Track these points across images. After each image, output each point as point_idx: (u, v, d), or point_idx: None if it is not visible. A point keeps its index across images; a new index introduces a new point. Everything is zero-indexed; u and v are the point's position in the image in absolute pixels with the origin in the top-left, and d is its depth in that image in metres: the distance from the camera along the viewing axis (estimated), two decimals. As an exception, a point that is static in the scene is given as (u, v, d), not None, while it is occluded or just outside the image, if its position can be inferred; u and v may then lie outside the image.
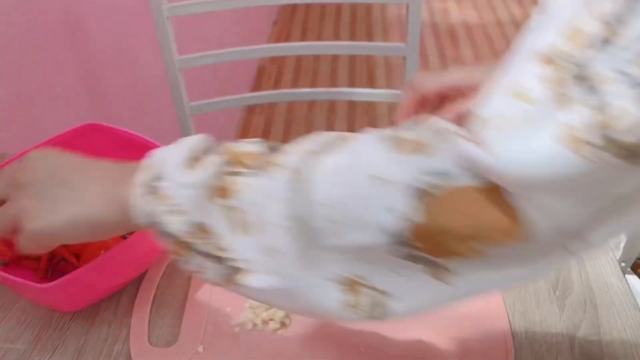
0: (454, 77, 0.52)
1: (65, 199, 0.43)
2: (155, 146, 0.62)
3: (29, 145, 0.64)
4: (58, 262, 0.60)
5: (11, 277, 0.50)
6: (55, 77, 0.97)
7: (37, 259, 0.60)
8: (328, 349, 0.53)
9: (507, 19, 3.10)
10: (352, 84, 2.54)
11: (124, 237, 0.61)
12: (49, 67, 0.95)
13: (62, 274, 0.50)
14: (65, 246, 0.60)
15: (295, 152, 0.39)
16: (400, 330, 0.54)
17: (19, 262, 0.60)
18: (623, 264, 0.79)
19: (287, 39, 2.90)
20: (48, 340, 0.55)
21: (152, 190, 0.39)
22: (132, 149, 0.64)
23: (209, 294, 0.59)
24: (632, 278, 0.75)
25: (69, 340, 0.55)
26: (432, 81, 0.52)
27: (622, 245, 0.75)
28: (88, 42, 1.08)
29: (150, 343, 0.54)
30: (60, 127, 0.68)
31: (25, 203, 0.43)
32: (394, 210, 0.33)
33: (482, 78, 0.48)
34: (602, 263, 0.61)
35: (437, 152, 0.33)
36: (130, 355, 0.53)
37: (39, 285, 0.50)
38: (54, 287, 0.49)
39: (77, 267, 0.52)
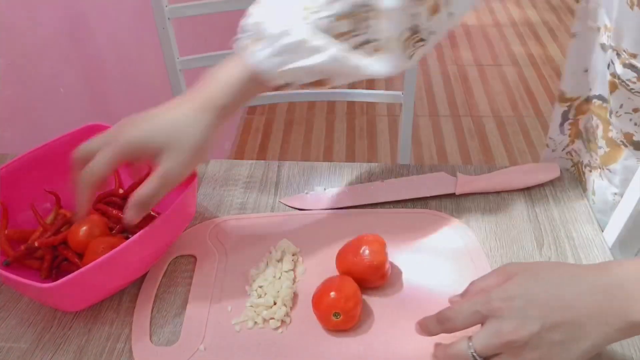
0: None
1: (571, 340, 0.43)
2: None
3: (29, 146, 0.65)
4: (61, 262, 0.61)
5: (14, 276, 0.50)
6: (56, 77, 0.97)
7: (40, 258, 0.60)
8: (328, 348, 0.54)
9: (506, 21, 3.10)
10: (351, 84, 2.54)
11: (126, 237, 0.61)
12: (50, 68, 0.95)
13: (65, 274, 0.50)
14: (68, 246, 0.60)
15: None
16: (400, 330, 0.55)
17: (22, 262, 0.60)
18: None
19: (287, 40, 2.90)
20: (50, 339, 0.55)
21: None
22: None
23: (210, 293, 0.59)
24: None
25: (71, 339, 0.55)
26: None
27: (619, 243, 0.76)
28: (89, 43, 1.08)
29: (151, 342, 0.55)
30: (61, 128, 0.69)
31: (530, 357, 0.43)
32: None
33: None
34: (600, 262, 0.62)
35: None
36: (132, 354, 0.54)
37: (40, 285, 0.50)
38: (56, 287, 0.50)
39: (80, 268, 0.53)
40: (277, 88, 0.56)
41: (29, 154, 0.64)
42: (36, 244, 0.59)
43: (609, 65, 0.58)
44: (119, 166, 0.53)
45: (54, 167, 0.65)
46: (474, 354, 0.45)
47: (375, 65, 0.55)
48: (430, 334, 0.50)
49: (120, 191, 0.66)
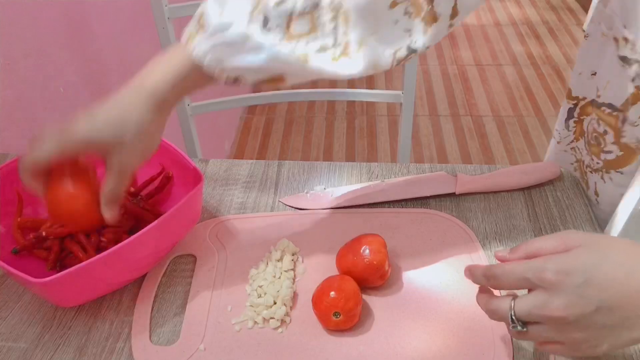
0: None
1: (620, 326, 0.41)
2: (166, 145, 0.64)
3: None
4: (67, 255, 0.61)
5: (13, 269, 0.50)
6: (56, 78, 0.97)
7: (48, 249, 0.61)
8: (328, 347, 0.54)
9: (506, 21, 3.10)
10: (351, 84, 2.55)
11: (128, 234, 0.61)
12: (50, 68, 0.95)
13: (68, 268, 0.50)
14: (75, 241, 0.60)
15: None
16: (400, 330, 0.55)
17: (30, 251, 0.61)
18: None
19: (287, 39, 2.91)
20: (50, 339, 0.55)
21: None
22: None
23: (210, 293, 0.59)
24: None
25: (71, 338, 0.55)
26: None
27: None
28: (89, 43, 1.08)
29: (151, 341, 0.55)
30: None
31: (574, 336, 0.42)
32: None
33: None
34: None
35: None
36: (132, 354, 0.54)
37: (35, 280, 0.50)
38: (52, 282, 0.50)
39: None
40: (227, 82, 0.53)
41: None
42: (44, 233, 0.60)
43: (634, 78, 0.57)
44: (62, 158, 0.52)
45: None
46: (514, 317, 0.43)
47: (341, 66, 0.50)
48: (475, 282, 0.48)
49: (132, 189, 0.67)
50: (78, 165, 0.55)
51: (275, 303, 0.57)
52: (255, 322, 0.56)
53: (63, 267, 0.60)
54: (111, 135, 0.51)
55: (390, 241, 0.60)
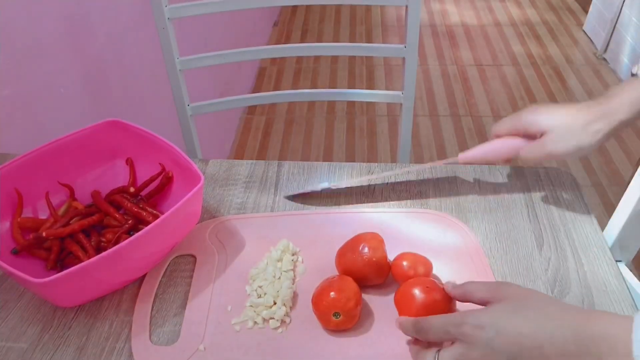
0: (519, 120, 0.65)
1: None
2: (167, 145, 0.64)
3: (29, 146, 0.65)
4: (67, 255, 0.61)
5: (13, 269, 0.50)
6: (57, 78, 0.97)
7: (48, 249, 0.61)
8: (328, 347, 0.54)
9: (506, 21, 3.10)
10: (351, 84, 2.55)
11: (129, 234, 0.62)
12: (50, 68, 0.95)
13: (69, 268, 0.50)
14: (75, 241, 0.61)
15: None
16: (400, 330, 0.54)
17: (30, 251, 0.61)
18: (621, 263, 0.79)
19: (288, 40, 2.91)
20: (50, 339, 0.55)
21: None
22: (146, 146, 0.68)
23: (210, 293, 0.59)
24: (630, 277, 0.76)
25: (70, 338, 0.55)
26: (503, 124, 0.67)
27: (619, 243, 0.76)
28: (89, 43, 1.08)
29: (151, 341, 0.55)
30: (61, 128, 0.69)
31: None
32: None
33: (541, 122, 0.63)
34: (600, 262, 0.62)
35: None
36: (131, 354, 0.54)
37: (35, 280, 0.50)
38: (52, 282, 0.50)
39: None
40: None
41: (49, 144, 0.65)
42: (44, 234, 0.60)
43: None
44: (514, 131, 0.66)
45: (72, 159, 0.67)
46: None
47: None
48: (406, 334, 0.52)
49: (132, 189, 0.67)
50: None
51: (275, 303, 0.57)
52: (255, 322, 0.56)
53: (63, 267, 0.60)
54: (553, 127, 0.62)
55: (390, 241, 0.60)
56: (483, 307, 0.47)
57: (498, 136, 0.68)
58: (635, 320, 0.40)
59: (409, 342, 0.53)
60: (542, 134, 0.63)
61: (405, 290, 0.54)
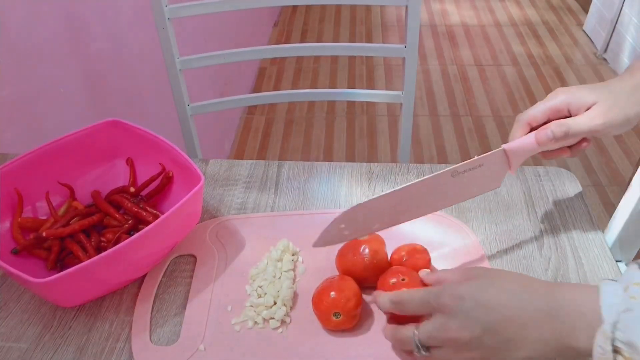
0: (556, 100, 0.59)
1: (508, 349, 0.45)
2: (167, 145, 0.64)
3: (29, 146, 0.65)
4: (67, 255, 0.61)
5: (13, 269, 0.50)
6: (57, 77, 0.97)
7: (48, 249, 0.61)
8: (328, 347, 0.54)
9: (506, 21, 3.10)
10: (351, 84, 2.54)
11: (129, 234, 0.62)
12: (50, 68, 0.95)
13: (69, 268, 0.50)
14: (75, 241, 0.60)
15: None
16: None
17: (30, 251, 0.61)
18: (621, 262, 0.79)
19: (288, 40, 2.91)
20: (50, 339, 0.55)
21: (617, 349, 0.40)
22: (146, 146, 0.68)
23: (210, 293, 0.59)
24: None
25: (70, 338, 0.55)
26: (537, 108, 0.59)
27: (619, 243, 0.76)
28: (89, 43, 1.08)
29: (151, 341, 0.55)
30: (61, 128, 0.69)
31: (469, 356, 0.46)
32: None
33: (584, 97, 0.57)
34: (600, 262, 0.62)
35: None
36: (132, 354, 0.54)
37: (35, 280, 0.50)
38: (52, 282, 0.50)
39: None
40: None
41: (49, 144, 0.65)
42: (44, 234, 0.60)
43: None
44: (549, 115, 0.59)
45: (72, 159, 0.67)
46: (418, 343, 0.47)
47: None
48: (381, 309, 0.52)
49: (132, 189, 0.67)
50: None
51: (275, 303, 0.57)
52: (255, 322, 0.56)
53: (63, 267, 0.60)
54: (597, 99, 0.57)
55: (390, 242, 0.60)
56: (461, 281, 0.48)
57: (530, 124, 0.60)
58: (601, 288, 0.43)
59: (383, 329, 0.53)
60: (587, 109, 0.58)
61: (382, 282, 0.55)
